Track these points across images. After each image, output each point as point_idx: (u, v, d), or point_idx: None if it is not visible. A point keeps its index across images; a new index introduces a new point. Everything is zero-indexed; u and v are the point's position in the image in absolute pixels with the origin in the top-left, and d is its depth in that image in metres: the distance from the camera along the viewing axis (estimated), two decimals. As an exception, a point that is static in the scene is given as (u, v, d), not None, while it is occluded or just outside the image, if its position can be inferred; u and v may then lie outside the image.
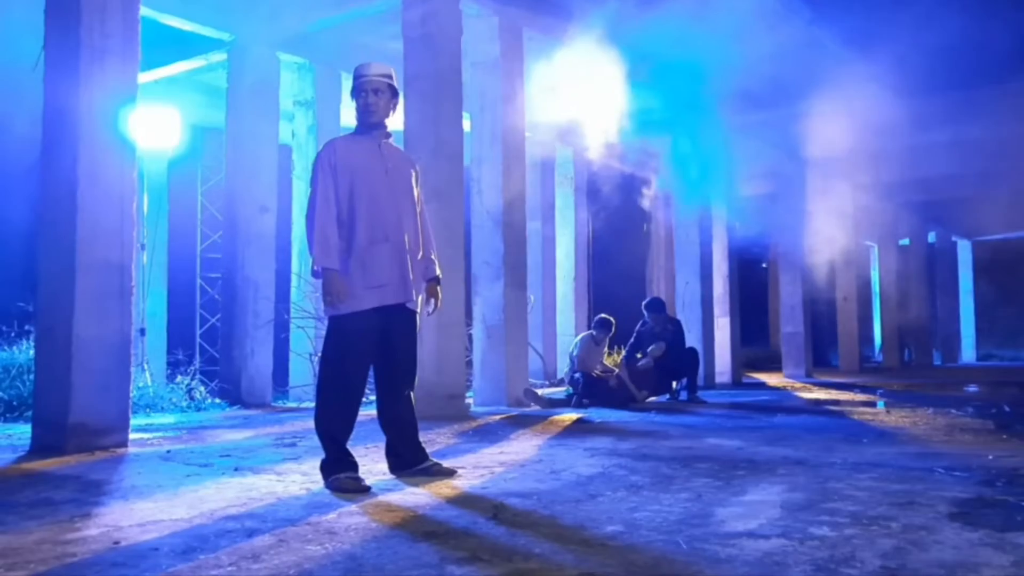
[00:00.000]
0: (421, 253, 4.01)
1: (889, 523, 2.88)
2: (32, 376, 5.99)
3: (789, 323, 14.88)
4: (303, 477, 3.96)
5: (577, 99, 9.22)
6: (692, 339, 10.00)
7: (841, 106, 11.93)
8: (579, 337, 9.28)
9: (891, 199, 18.84)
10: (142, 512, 3.18)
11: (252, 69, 8.88)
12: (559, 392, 9.04)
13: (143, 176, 8.54)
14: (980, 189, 16.93)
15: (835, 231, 18.73)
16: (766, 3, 9.05)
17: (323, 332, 4.19)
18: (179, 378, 8.67)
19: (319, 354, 4.62)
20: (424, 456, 4.01)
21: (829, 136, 13.26)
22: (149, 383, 8.29)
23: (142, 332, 8.87)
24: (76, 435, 4.92)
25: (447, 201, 7.17)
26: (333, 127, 9.64)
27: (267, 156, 8.97)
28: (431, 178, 6.87)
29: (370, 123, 3.96)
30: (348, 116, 4.71)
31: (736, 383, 12.30)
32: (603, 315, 8.94)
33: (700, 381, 9.74)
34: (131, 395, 5.47)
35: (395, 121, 4.20)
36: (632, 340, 9.13)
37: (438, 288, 4.11)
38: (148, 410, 7.56)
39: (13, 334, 7.56)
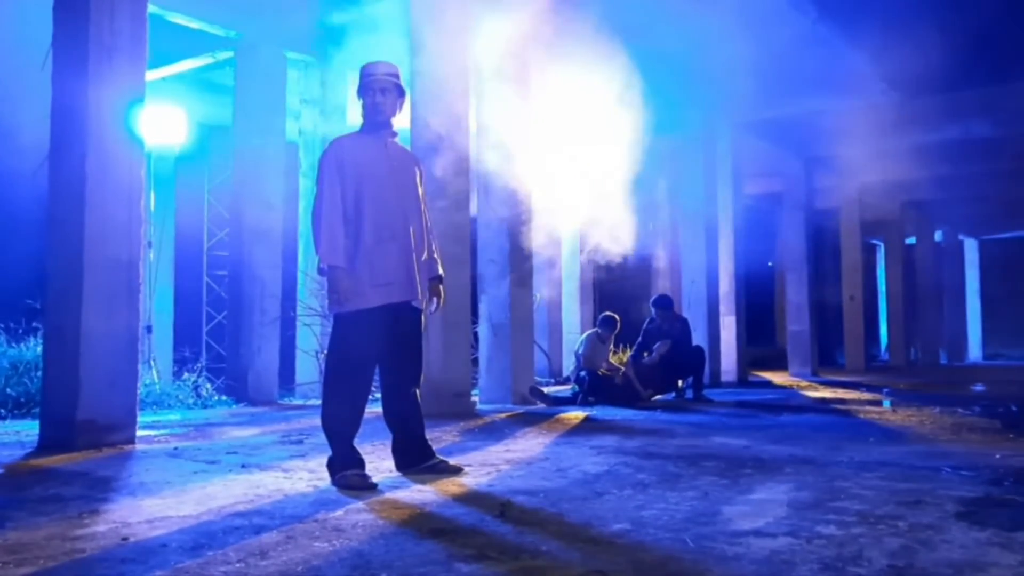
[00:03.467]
0: (425, 252, 4.02)
1: (896, 522, 2.87)
2: (39, 373, 6.01)
3: (795, 322, 14.85)
4: (310, 474, 3.97)
5: (580, 99, 9.22)
6: (698, 337, 9.99)
7: (848, 104, 11.91)
8: (584, 335, 9.28)
9: (898, 197, 18.79)
10: (150, 509, 3.19)
11: (259, 67, 8.90)
12: (565, 390, 9.04)
13: (150, 174, 8.57)
14: (987, 188, 16.87)
15: (839, 229, 18.68)
16: (772, 1, 9.03)
17: (329, 330, 4.20)
18: (186, 375, 8.70)
19: (325, 352, 4.62)
20: (431, 454, 4.01)
21: (835, 134, 13.24)
22: (156, 380, 8.32)
23: (149, 329, 8.89)
24: (84, 432, 4.94)
25: (453, 200, 7.17)
26: (339, 125, 9.64)
27: (274, 154, 8.98)
28: (438, 177, 6.88)
29: (377, 122, 3.97)
30: (355, 114, 4.72)
31: (742, 382, 12.28)
32: (608, 313, 8.94)
33: (706, 379, 9.73)
34: (138, 392, 5.49)
35: (402, 119, 4.20)
36: (640, 338, 9.12)
37: (441, 287, 4.12)
38: (155, 407, 7.59)
39: (21, 331, 7.59)
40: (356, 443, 3.79)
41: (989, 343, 24.64)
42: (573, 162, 11.66)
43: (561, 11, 8.22)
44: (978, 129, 12.99)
